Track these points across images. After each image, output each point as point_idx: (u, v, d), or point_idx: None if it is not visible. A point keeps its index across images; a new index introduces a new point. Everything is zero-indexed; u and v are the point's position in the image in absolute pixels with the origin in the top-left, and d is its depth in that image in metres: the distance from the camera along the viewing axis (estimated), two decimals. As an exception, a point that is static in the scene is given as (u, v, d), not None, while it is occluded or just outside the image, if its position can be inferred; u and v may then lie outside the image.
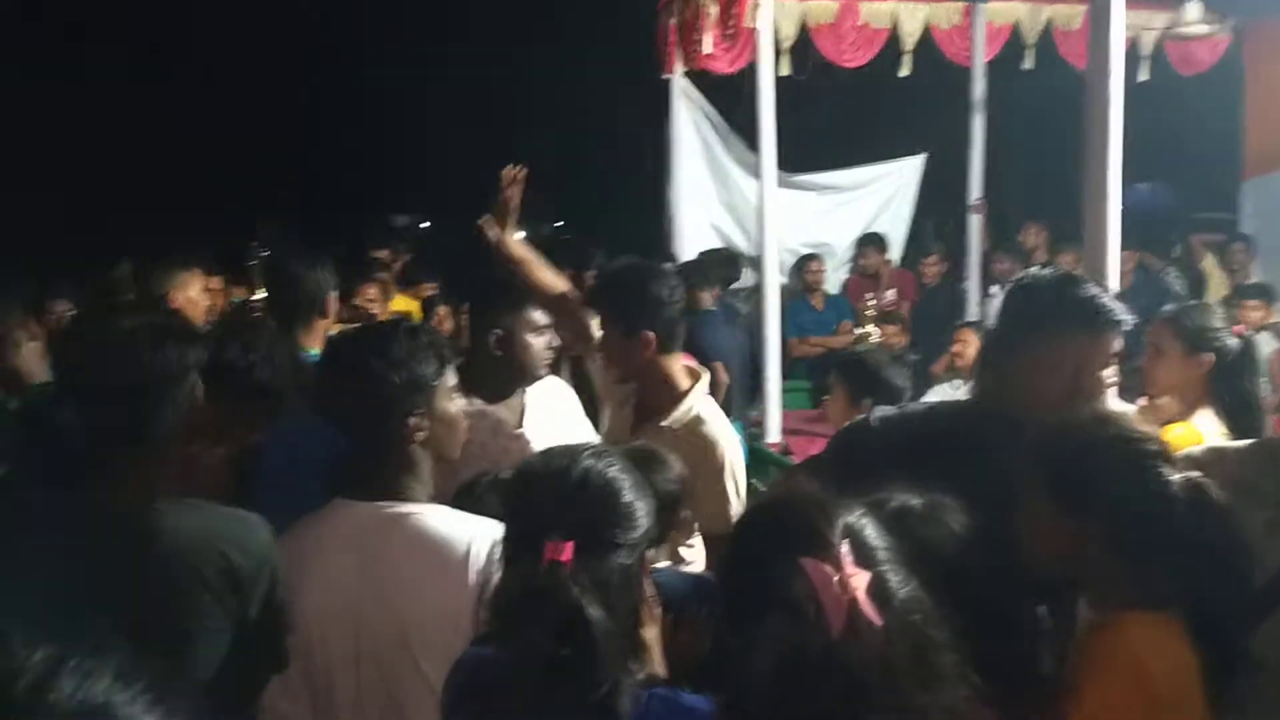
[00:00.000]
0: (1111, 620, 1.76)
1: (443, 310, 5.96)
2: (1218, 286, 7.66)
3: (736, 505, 2.87)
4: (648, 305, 2.91)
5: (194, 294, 3.81)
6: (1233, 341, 3.25)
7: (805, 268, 8.03)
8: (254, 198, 17.36)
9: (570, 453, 1.64)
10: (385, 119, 18.78)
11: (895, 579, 1.35)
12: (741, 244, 8.34)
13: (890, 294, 7.78)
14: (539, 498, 1.58)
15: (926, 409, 2.54)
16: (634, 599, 1.59)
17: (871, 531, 1.39)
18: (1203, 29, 6.21)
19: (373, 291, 5.71)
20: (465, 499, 2.34)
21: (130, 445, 1.98)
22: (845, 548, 1.33)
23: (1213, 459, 2.09)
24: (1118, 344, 2.21)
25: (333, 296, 3.54)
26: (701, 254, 7.13)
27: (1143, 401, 3.83)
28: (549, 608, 1.47)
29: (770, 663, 1.30)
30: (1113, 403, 4.06)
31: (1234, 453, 2.11)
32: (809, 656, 1.28)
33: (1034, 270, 2.40)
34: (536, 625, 1.47)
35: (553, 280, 3.15)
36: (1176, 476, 1.76)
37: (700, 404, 2.95)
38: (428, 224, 26.41)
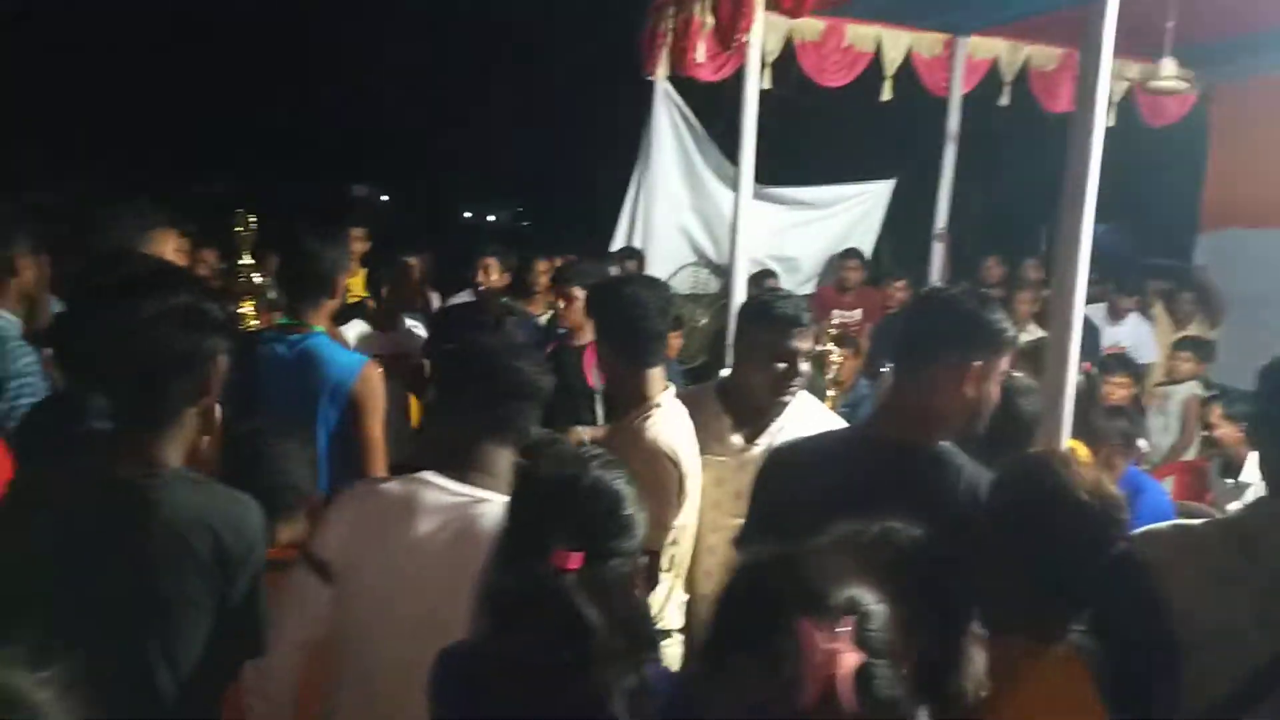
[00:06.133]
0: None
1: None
2: (1164, 332, 7.89)
3: (681, 518, 2.94)
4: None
5: (169, 253, 3.73)
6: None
7: (761, 285, 7.97)
8: (205, 156, 17.11)
9: (579, 460, 1.70)
10: (351, 88, 18.54)
11: (885, 674, 1.26)
12: (708, 249, 8.42)
13: (857, 313, 7.86)
14: (548, 502, 1.64)
15: (818, 439, 2.55)
16: (630, 604, 1.64)
17: (879, 619, 1.31)
18: (1176, 84, 6.38)
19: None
20: None
21: (146, 424, 2.02)
22: (847, 622, 1.27)
23: (1186, 544, 2.07)
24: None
25: (343, 278, 3.46)
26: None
27: None
28: (552, 612, 1.54)
29: (736, 711, 1.26)
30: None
31: (1202, 538, 2.05)
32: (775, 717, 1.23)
33: (936, 289, 2.44)
34: (538, 628, 1.53)
35: None
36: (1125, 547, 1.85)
37: (660, 415, 3.02)
38: (386, 197, 26.22)
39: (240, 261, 3.87)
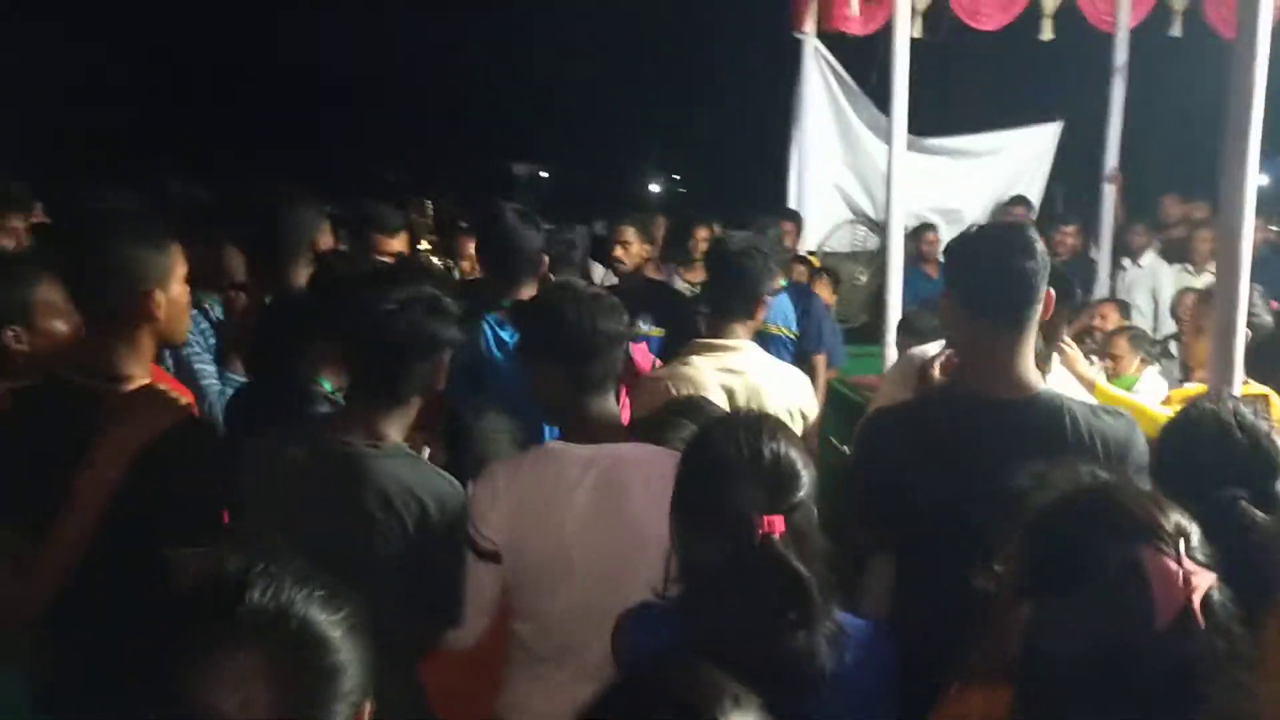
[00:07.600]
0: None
1: None
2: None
3: None
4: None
5: (328, 242, 3.86)
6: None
7: (921, 238, 7.80)
8: (367, 142, 17.71)
9: (757, 428, 1.75)
10: (503, 63, 18.77)
11: (1223, 592, 1.32)
12: (865, 206, 8.29)
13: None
14: (736, 471, 1.69)
15: (920, 401, 2.51)
16: (818, 554, 1.69)
17: (1198, 535, 1.36)
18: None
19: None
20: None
21: (380, 402, 2.21)
22: (1183, 545, 1.32)
23: None
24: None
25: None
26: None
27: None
28: (768, 576, 1.60)
29: (1082, 648, 1.30)
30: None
31: None
32: (1135, 648, 1.28)
33: (975, 232, 2.36)
34: (753, 591, 1.60)
35: None
36: None
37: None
38: (546, 174, 26.58)
39: (419, 246, 4.00)
